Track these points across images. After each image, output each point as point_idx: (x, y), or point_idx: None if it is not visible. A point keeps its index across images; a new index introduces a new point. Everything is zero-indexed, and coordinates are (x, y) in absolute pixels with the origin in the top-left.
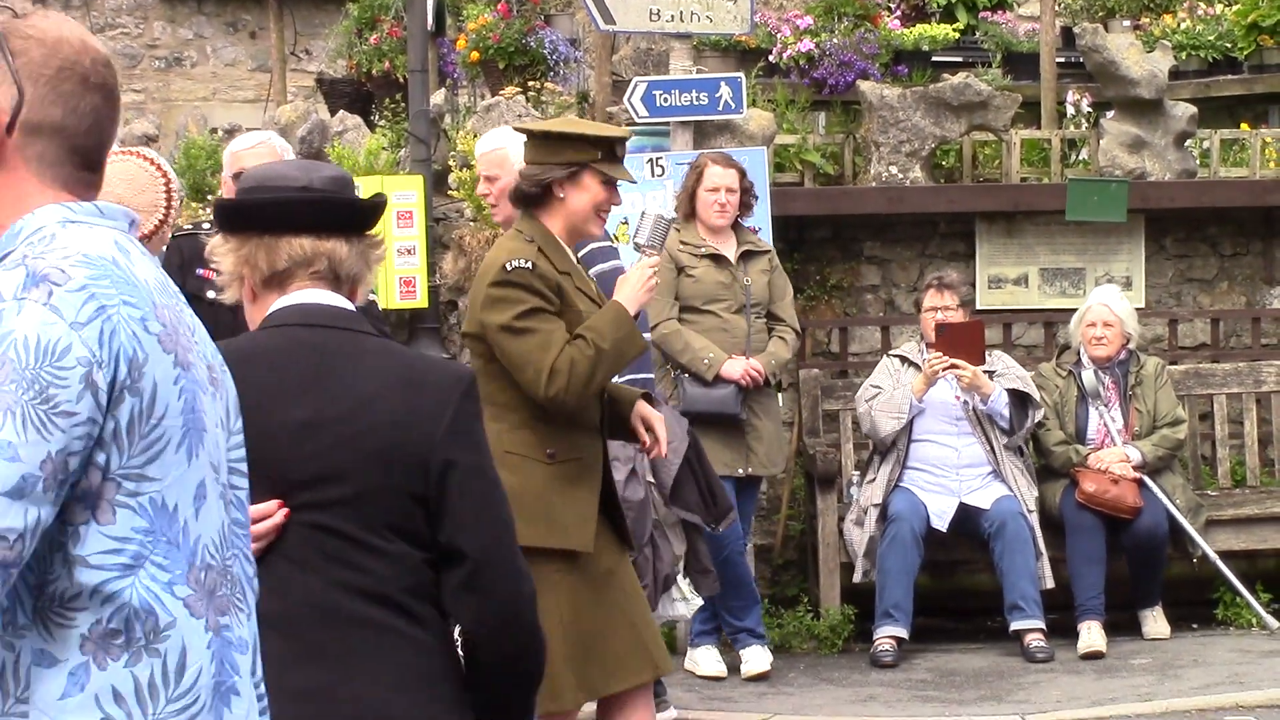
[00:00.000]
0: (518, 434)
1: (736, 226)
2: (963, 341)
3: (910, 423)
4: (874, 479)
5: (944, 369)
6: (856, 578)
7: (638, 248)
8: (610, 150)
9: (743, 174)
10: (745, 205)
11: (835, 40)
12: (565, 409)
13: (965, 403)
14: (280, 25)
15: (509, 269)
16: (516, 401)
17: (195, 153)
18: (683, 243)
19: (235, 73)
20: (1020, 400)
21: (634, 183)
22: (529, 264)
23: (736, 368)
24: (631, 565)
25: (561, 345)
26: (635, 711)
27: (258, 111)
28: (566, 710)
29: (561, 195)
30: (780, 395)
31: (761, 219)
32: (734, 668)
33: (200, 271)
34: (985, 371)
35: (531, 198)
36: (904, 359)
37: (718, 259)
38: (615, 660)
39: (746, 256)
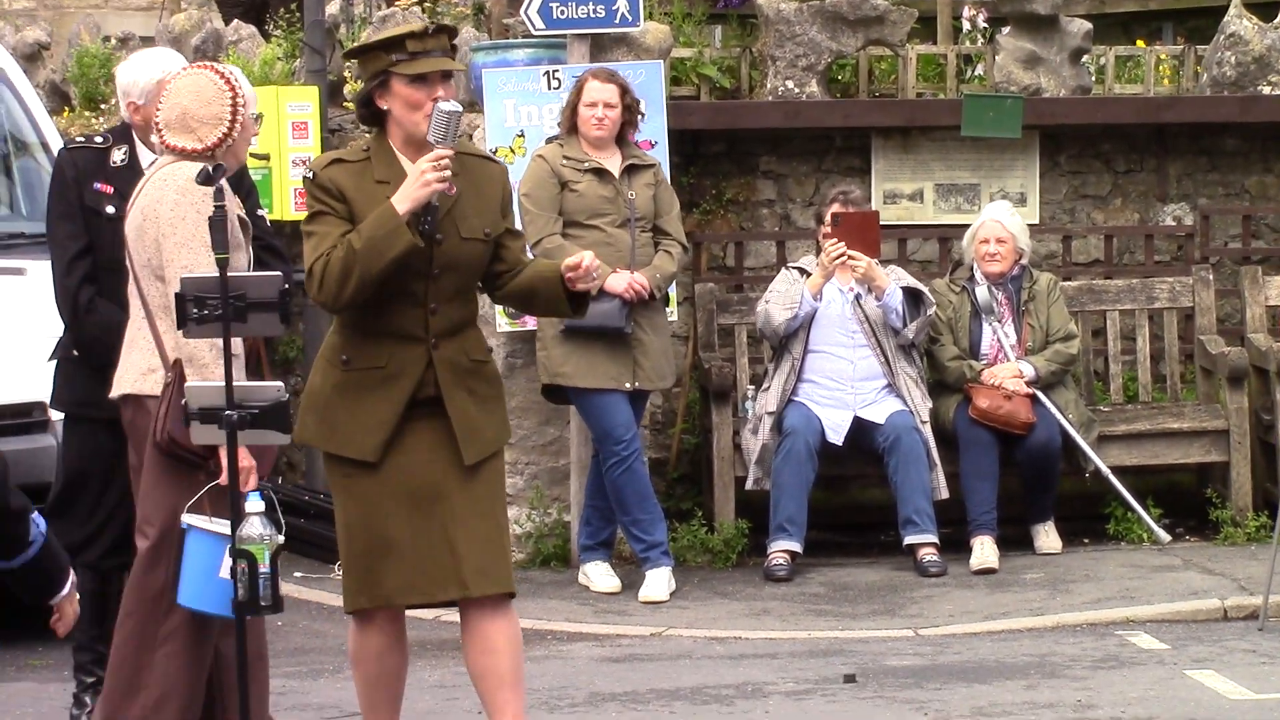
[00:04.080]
0: (329, 339)
1: (622, 141)
2: (859, 231)
3: (806, 334)
4: (768, 388)
5: (839, 257)
6: (749, 485)
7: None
8: (403, 49)
9: (625, 89)
10: (629, 121)
11: None
12: (330, 310)
13: (860, 312)
14: None
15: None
16: None
17: (88, 61)
18: (566, 158)
19: None
20: (913, 300)
21: (460, 69)
22: (311, 172)
23: (620, 281)
24: (492, 486)
25: (327, 249)
26: (477, 627)
27: (152, 19)
28: (356, 610)
29: (385, 107)
30: (675, 310)
31: (657, 132)
32: (627, 582)
33: (97, 185)
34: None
35: (369, 118)
36: (803, 270)
37: (601, 173)
38: (412, 574)
39: (631, 170)
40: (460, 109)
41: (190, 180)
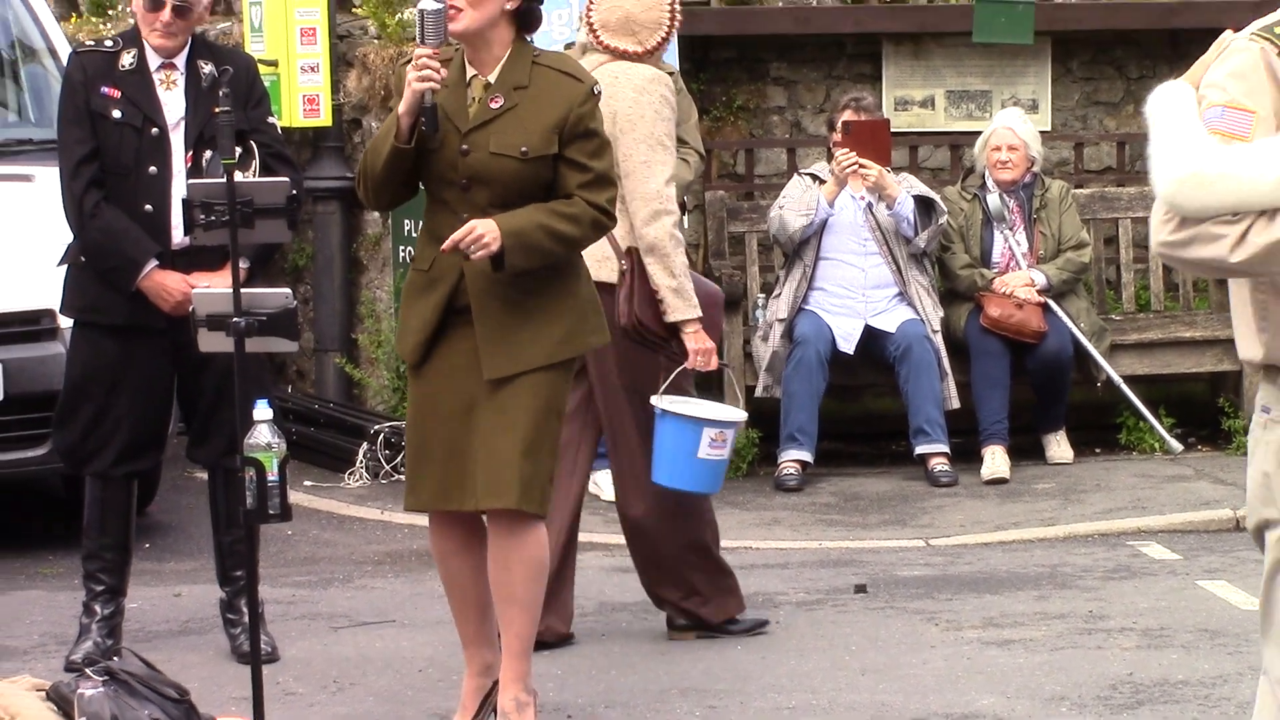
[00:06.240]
0: None
1: None
2: (870, 140)
3: (818, 241)
4: (779, 295)
5: (849, 166)
6: (759, 392)
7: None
8: None
9: None
10: None
11: None
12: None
13: (872, 220)
14: None
15: None
16: None
17: None
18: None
19: None
20: (925, 208)
21: None
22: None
23: None
24: (523, 401)
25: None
26: (493, 541)
27: None
28: (409, 510)
29: None
30: (686, 217)
31: None
32: None
33: (104, 90)
34: (893, 171)
35: None
36: (815, 177)
37: None
38: (442, 480)
39: None
40: (442, 7)
41: (648, 80)
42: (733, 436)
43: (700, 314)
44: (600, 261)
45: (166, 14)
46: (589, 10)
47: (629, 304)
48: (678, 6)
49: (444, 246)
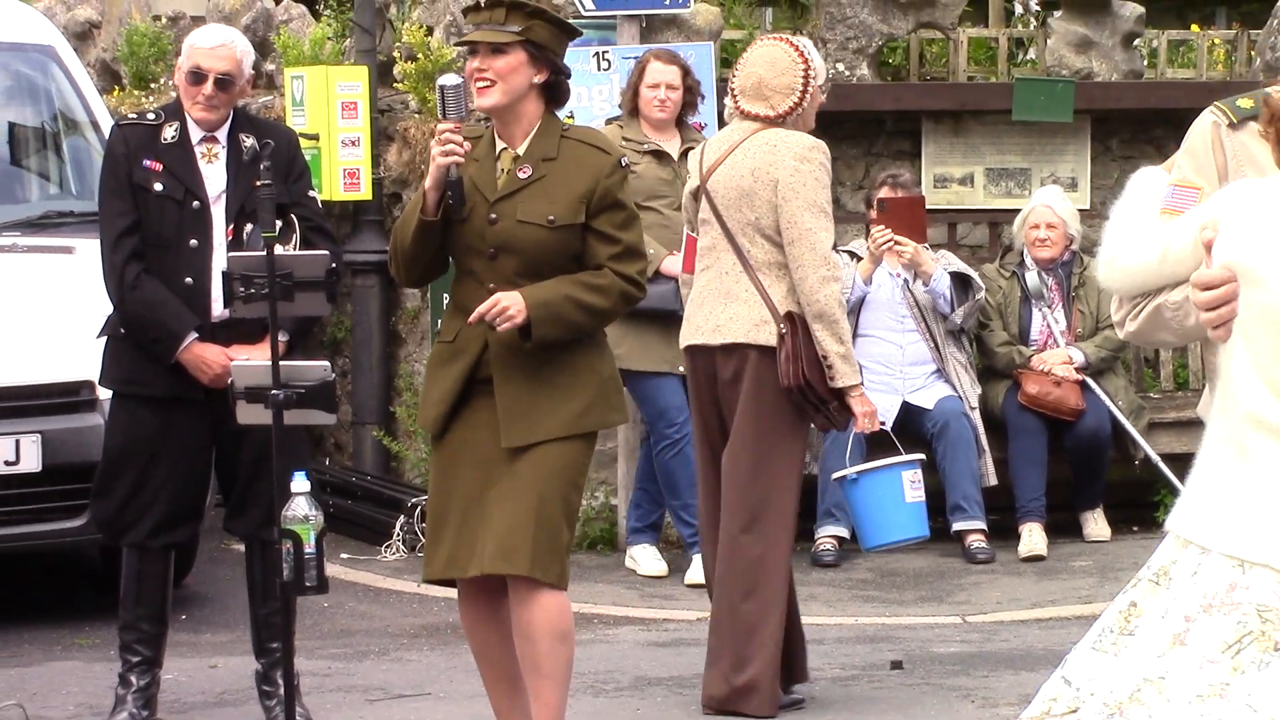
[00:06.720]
0: None
1: (680, 124)
2: (905, 217)
3: (856, 318)
4: None
5: (885, 243)
6: None
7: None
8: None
9: (686, 71)
10: (689, 103)
11: None
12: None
13: (910, 297)
14: None
15: None
16: None
17: (138, 40)
18: (625, 139)
19: None
20: (962, 285)
21: (506, 40)
22: None
23: (675, 264)
24: (540, 471)
25: None
26: (515, 609)
27: None
28: (426, 581)
29: None
30: None
31: (707, 115)
32: (674, 566)
33: (146, 163)
34: (929, 248)
35: None
36: (853, 254)
37: (660, 155)
38: (455, 548)
39: (690, 153)
40: (460, 82)
41: (807, 148)
42: (921, 475)
43: (862, 380)
44: (758, 325)
45: (209, 87)
46: (732, 77)
47: (794, 365)
48: (812, 74)
49: (470, 319)
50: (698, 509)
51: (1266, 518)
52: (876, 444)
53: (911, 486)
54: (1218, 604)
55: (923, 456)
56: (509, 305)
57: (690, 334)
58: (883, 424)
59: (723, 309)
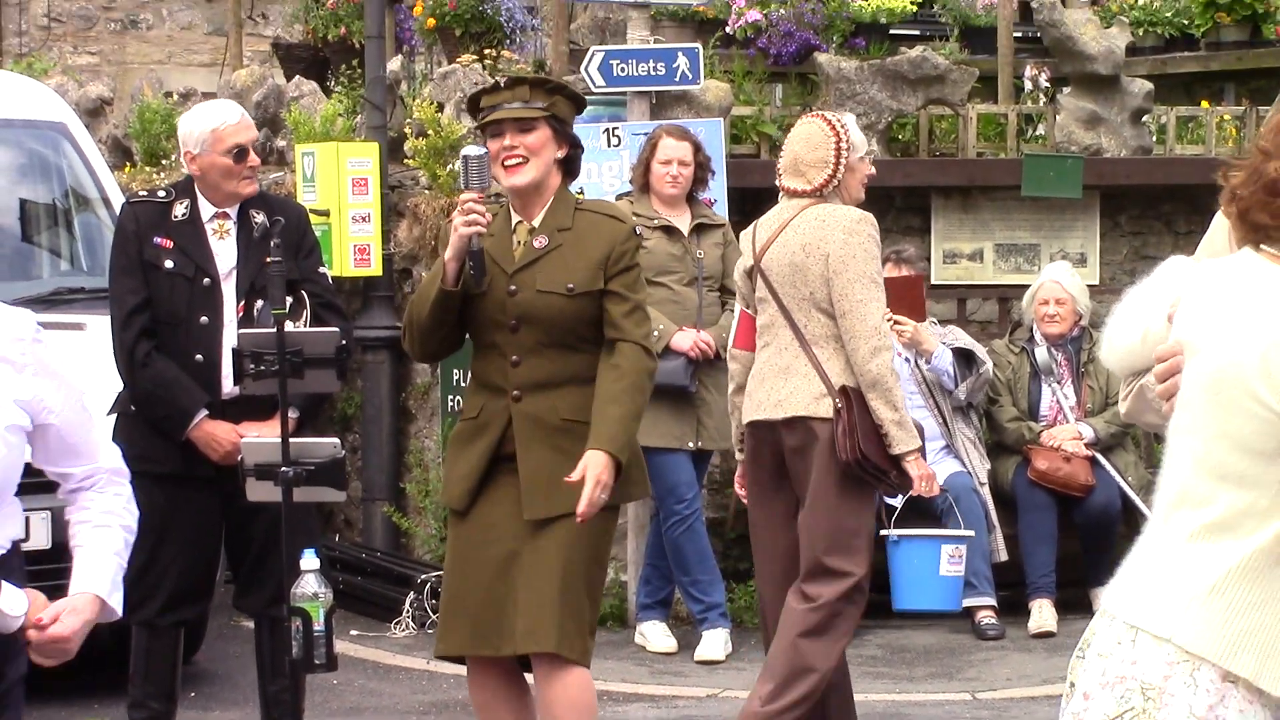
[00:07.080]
0: None
1: (691, 199)
2: (904, 296)
3: None
4: None
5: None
6: None
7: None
8: (477, 106)
9: (697, 147)
10: (700, 179)
11: (782, 11)
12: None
13: (917, 374)
14: None
15: None
16: None
17: (150, 116)
18: (636, 214)
19: (191, 36)
20: (967, 360)
21: (531, 115)
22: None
23: (686, 340)
24: (563, 546)
25: None
26: (539, 686)
27: (213, 76)
28: (439, 657)
29: None
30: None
31: (718, 191)
32: (684, 642)
33: (157, 240)
34: (931, 323)
35: None
36: None
37: (670, 231)
38: (476, 624)
39: (700, 229)
40: (484, 152)
41: (855, 221)
42: (966, 552)
43: (920, 443)
44: (817, 399)
45: (253, 157)
46: (779, 157)
47: (850, 439)
48: (843, 148)
49: (579, 517)
50: (756, 570)
51: (1157, 583)
52: (929, 513)
53: (949, 561)
54: (1113, 680)
55: (971, 533)
56: (600, 473)
57: (752, 410)
58: (944, 490)
59: (783, 384)
